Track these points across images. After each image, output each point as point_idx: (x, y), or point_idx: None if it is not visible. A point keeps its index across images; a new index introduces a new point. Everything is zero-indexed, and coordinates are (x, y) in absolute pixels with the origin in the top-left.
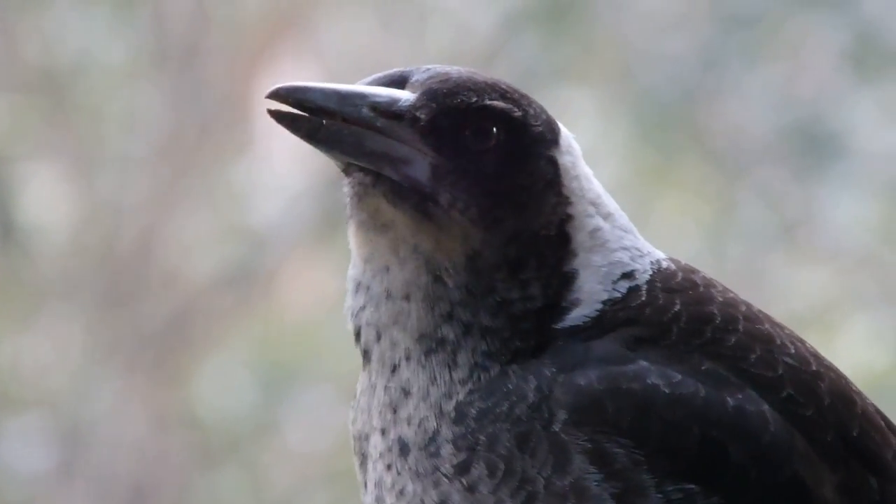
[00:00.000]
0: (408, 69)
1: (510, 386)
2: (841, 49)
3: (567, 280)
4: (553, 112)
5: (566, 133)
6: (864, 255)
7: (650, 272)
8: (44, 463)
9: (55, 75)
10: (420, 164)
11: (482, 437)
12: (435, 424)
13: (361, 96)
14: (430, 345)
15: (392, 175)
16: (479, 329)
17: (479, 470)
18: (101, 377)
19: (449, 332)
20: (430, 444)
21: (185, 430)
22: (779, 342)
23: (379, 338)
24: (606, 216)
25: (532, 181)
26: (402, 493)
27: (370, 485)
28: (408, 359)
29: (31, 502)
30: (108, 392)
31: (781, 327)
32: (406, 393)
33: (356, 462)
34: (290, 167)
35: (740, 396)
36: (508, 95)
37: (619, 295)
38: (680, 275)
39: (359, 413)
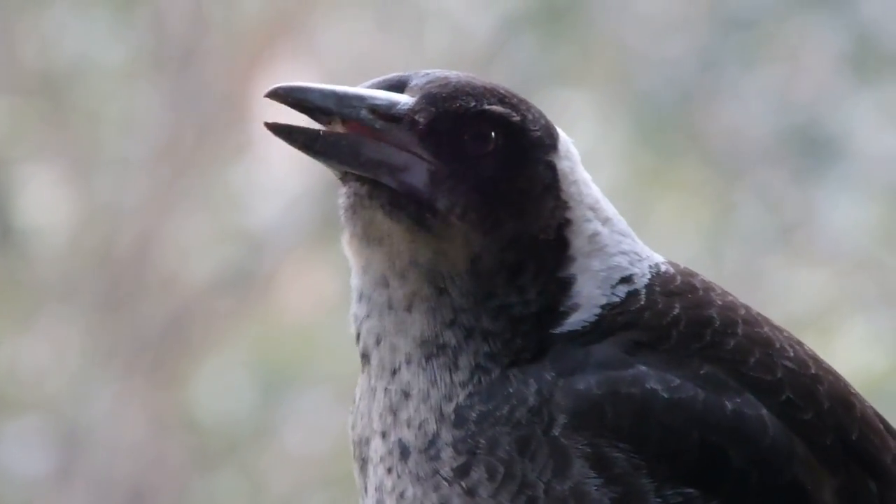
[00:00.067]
0: (407, 73)
1: (510, 389)
2: (839, 51)
3: (565, 285)
4: (551, 115)
5: (564, 138)
6: (863, 257)
7: (649, 276)
8: (42, 466)
9: (53, 77)
10: (418, 171)
11: (482, 441)
12: (435, 427)
13: (360, 98)
14: (432, 349)
15: (389, 182)
16: (481, 332)
17: (478, 473)
18: (100, 380)
19: (451, 337)
20: (431, 448)
21: (183, 432)
22: (778, 345)
23: (379, 342)
24: (605, 221)
25: (530, 186)
26: (402, 496)
27: (370, 489)
28: (408, 362)
29: None
30: (107, 395)
31: (780, 330)
32: (406, 395)
33: (356, 467)
34: (289, 169)
35: (739, 400)
36: (507, 100)
37: (617, 299)
38: (679, 278)
39: (358, 417)
